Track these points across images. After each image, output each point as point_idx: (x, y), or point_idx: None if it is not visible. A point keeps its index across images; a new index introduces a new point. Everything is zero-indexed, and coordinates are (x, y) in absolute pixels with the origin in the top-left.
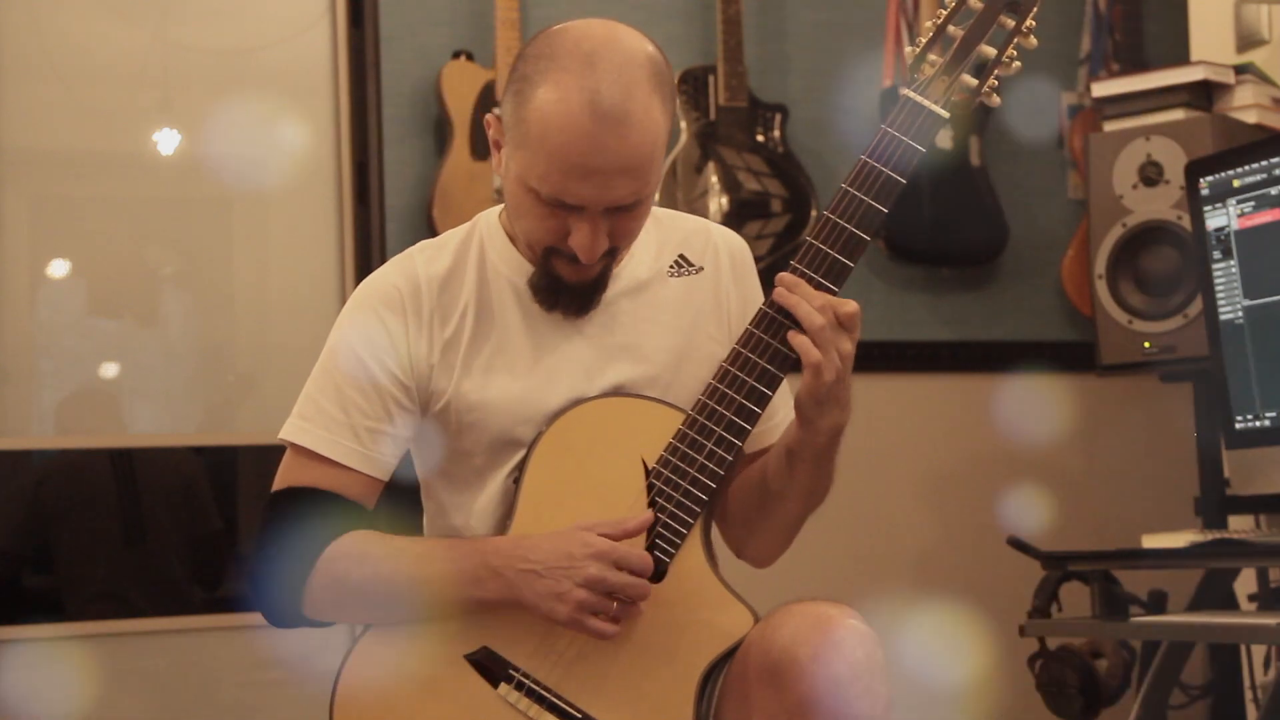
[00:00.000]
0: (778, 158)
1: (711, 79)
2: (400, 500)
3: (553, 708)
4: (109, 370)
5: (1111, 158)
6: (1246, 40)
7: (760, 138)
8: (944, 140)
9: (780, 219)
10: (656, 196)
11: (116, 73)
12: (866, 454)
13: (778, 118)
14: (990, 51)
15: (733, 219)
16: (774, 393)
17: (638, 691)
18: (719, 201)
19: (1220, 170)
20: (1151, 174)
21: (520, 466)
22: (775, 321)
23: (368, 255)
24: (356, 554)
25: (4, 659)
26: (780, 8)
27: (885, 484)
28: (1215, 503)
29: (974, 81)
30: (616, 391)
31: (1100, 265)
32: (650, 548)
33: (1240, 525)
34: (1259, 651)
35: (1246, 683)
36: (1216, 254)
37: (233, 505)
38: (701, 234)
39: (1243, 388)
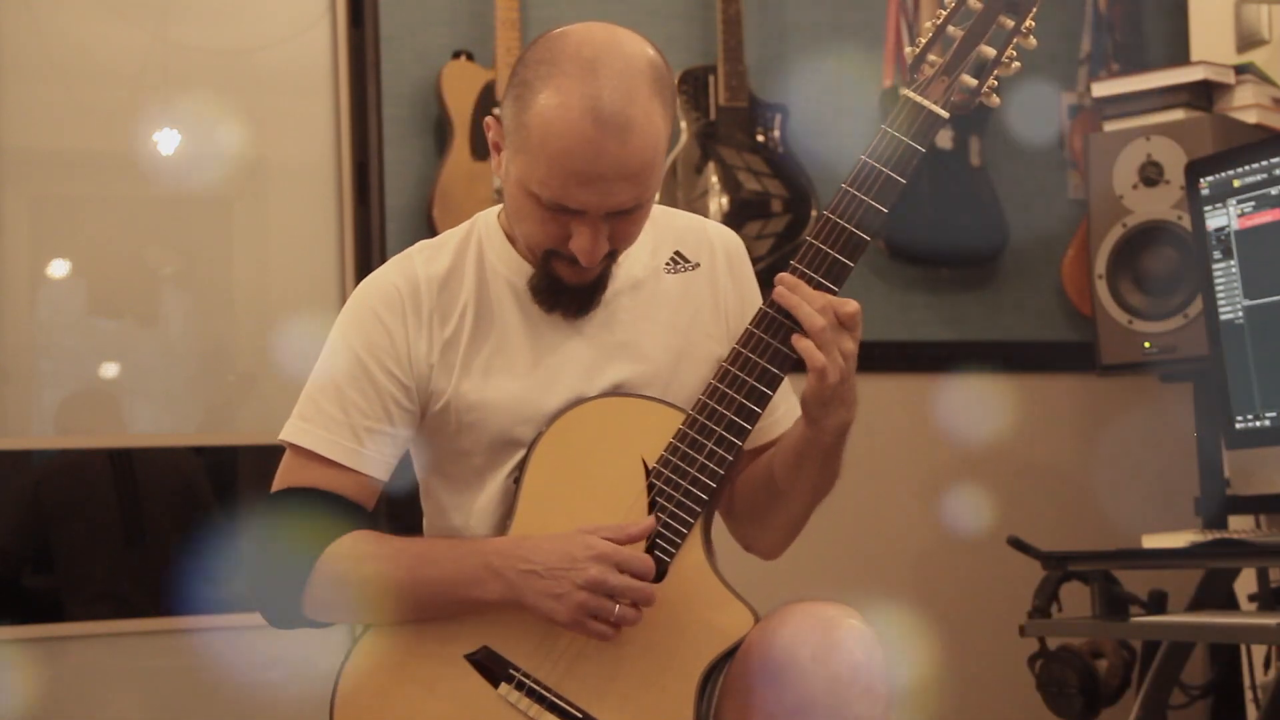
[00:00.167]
0: (778, 158)
1: (711, 79)
2: (400, 501)
3: (553, 707)
4: (109, 370)
5: (1111, 158)
6: (1246, 40)
7: (760, 138)
8: (944, 140)
9: (780, 219)
10: (656, 196)
11: (116, 73)
12: (866, 454)
13: (778, 118)
14: (990, 52)
15: (733, 219)
16: (774, 392)
17: (638, 691)
18: (719, 201)
19: (1220, 170)
20: (1152, 174)
21: (520, 466)
22: (775, 321)
23: (368, 255)
24: (356, 554)
25: (4, 659)
26: (780, 8)
27: (885, 484)
28: (1215, 503)
29: (974, 82)
30: (616, 391)
31: (1100, 265)
32: (650, 547)
33: (1240, 525)
34: (1259, 651)
35: (1246, 683)
36: (1217, 254)
37: (233, 505)
38: (697, 230)
39: (1243, 388)
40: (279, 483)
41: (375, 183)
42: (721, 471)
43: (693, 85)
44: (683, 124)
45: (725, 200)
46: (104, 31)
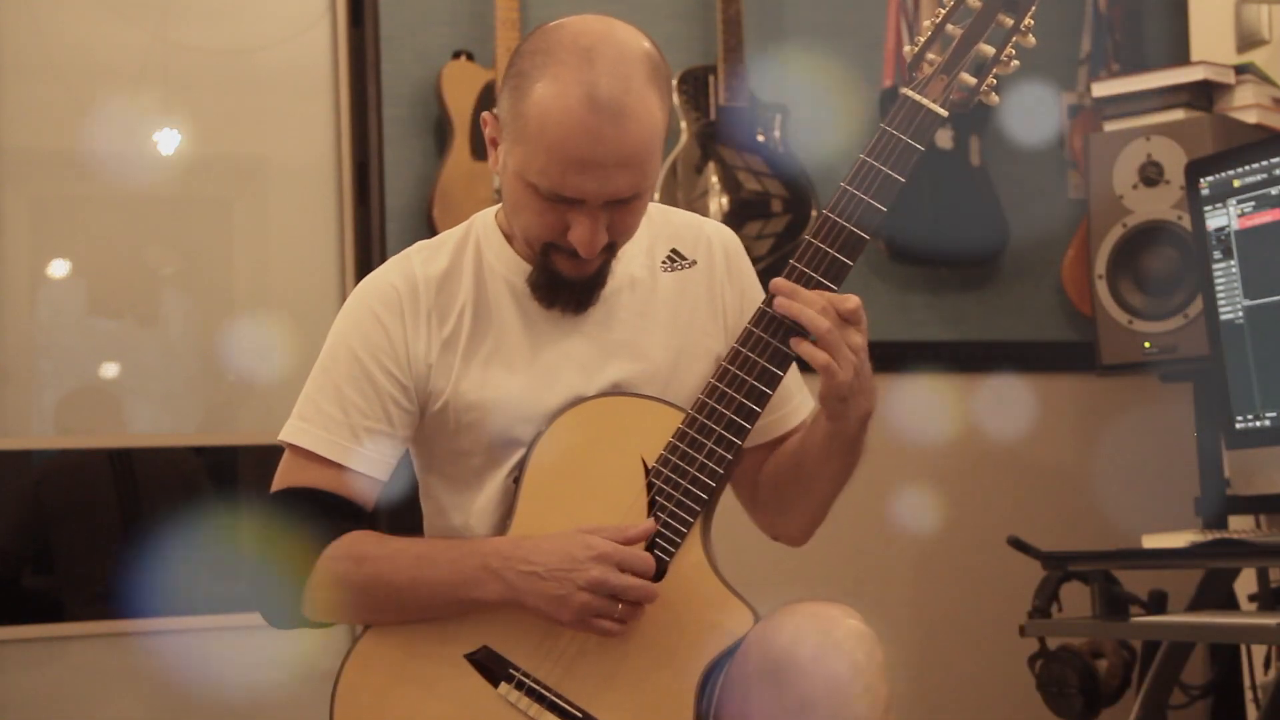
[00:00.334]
0: (778, 158)
1: (711, 79)
2: (400, 501)
3: (553, 707)
4: (109, 370)
5: (1111, 158)
6: (1247, 40)
7: (760, 138)
8: (944, 140)
9: (780, 219)
10: (656, 196)
11: (116, 73)
12: (867, 454)
13: (778, 118)
14: (989, 50)
15: (733, 219)
16: (774, 391)
17: (638, 690)
18: (719, 201)
19: (1220, 170)
20: (1152, 174)
21: (520, 466)
22: (775, 320)
23: (368, 255)
24: (356, 555)
25: (4, 659)
26: (780, 8)
27: (885, 484)
28: (1215, 503)
29: (973, 80)
30: (615, 390)
31: (1100, 265)
32: (650, 547)
33: (1240, 525)
34: (1259, 651)
35: (1246, 683)
36: (1217, 254)
37: (233, 505)
38: (693, 228)
39: (1243, 388)
40: (278, 483)
41: (375, 183)
42: (721, 470)
43: (693, 85)
44: (683, 124)
45: (725, 200)
46: (104, 31)
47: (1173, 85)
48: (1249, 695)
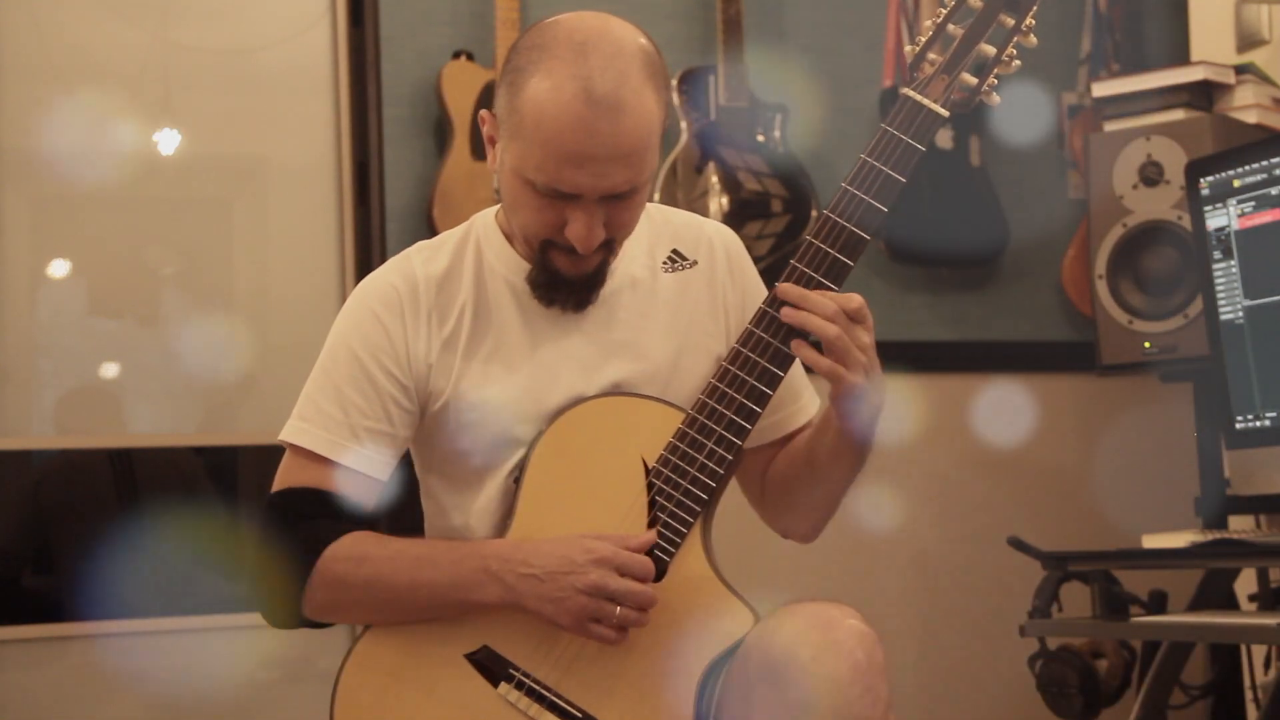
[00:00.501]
0: (778, 158)
1: (711, 79)
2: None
3: (553, 707)
4: (109, 370)
5: (1111, 158)
6: (1247, 40)
7: (760, 138)
8: (944, 140)
9: (780, 219)
10: (656, 196)
11: (116, 73)
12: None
13: (778, 118)
14: (990, 50)
15: (733, 219)
16: (774, 391)
17: (638, 691)
18: (719, 201)
19: (1220, 170)
20: (1152, 174)
21: (520, 466)
22: (775, 320)
23: (368, 255)
24: (356, 555)
25: (4, 659)
26: (780, 8)
27: (886, 484)
28: (1215, 503)
29: (974, 80)
30: (616, 390)
31: (1100, 265)
32: (651, 549)
33: (1240, 525)
34: (1259, 651)
35: (1247, 683)
36: (1217, 254)
37: (233, 506)
38: (694, 228)
39: (1243, 388)
40: (279, 483)
41: (375, 183)
42: (721, 471)
43: (693, 85)
44: (683, 124)
45: (725, 200)
46: (104, 31)
47: (1173, 85)
48: (1249, 695)
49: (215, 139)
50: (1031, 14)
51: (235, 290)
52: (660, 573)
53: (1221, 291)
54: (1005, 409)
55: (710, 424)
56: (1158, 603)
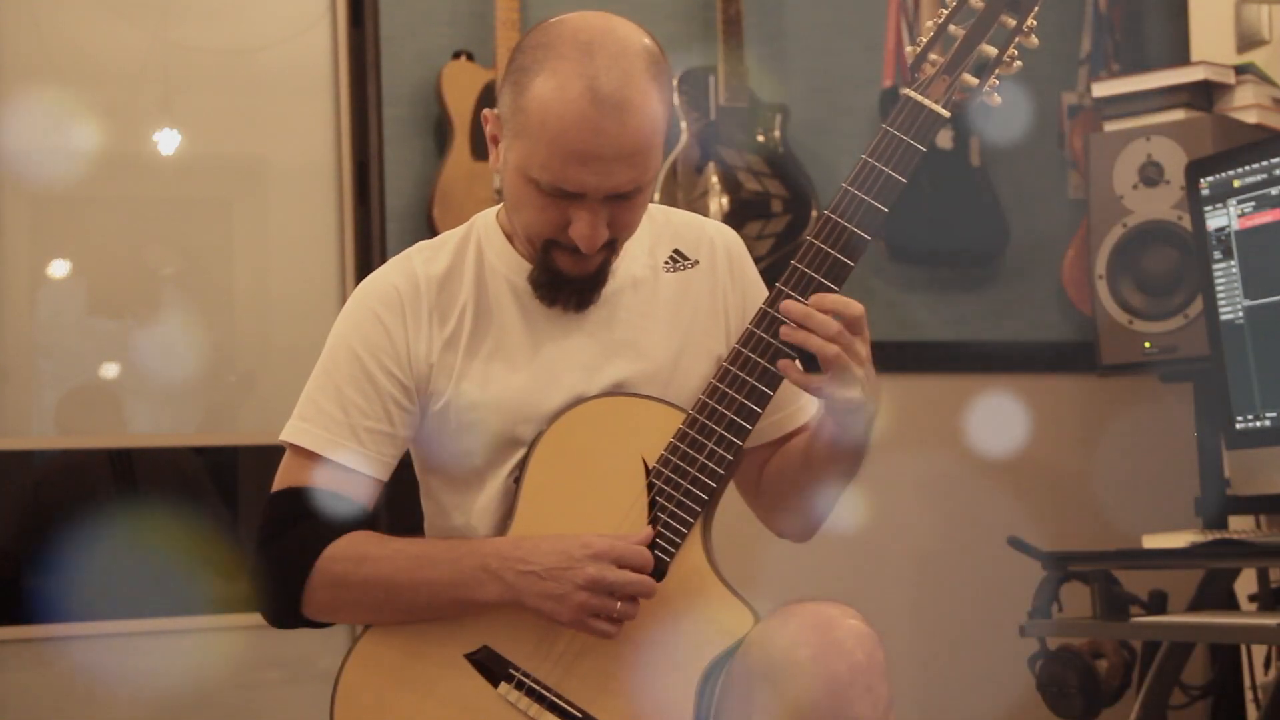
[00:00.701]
0: (778, 158)
1: (711, 79)
2: (400, 501)
3: (553, 707)
4: (109, 370)
5: (1112, 158)
6: (1247, 40)
7: (760, 138)
8: (944, 140)
9: (780, 219)
10: (656, 196)
11: (116, 73)
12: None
13: (778, 118)
14: (991, 51)
15: (733, 219)
16: (775, 392)
17: (638, 690)
18: (719, 201)
19: (1221, 170)
20: (1152, 174)
21: (521, 466)
22: (776, 322)
23: (368, 255)
24: (356, 555)
25: (4, 659)
26: (780, 8)
27: (885, 484)
28: (1215, 503)
29: (975, 81)
30: (616, 390)
31: (1100, 265)
32: (651, 548)
33: (1240, 525)
34: (1259, 652)
35: (1247, 683)
36: (1217, 254)
37: (233, 506)
38: (695, 228)
39: (1243, 388)
40: (279, 483)
41: (375, 183)
42: (722, 471)
43: (693, 85)
44: (682, 124)
45: (725, 200)
46: (104, 31)
47: (1173, 85)
48: (1249, 695)
49: (215, 139)
50: (1033, 15)
51: (235, 290)
52: (661, 573)
53: (1221, 291)
54: (1005, 409)
55: (710, 424)
56: (1158, 603)
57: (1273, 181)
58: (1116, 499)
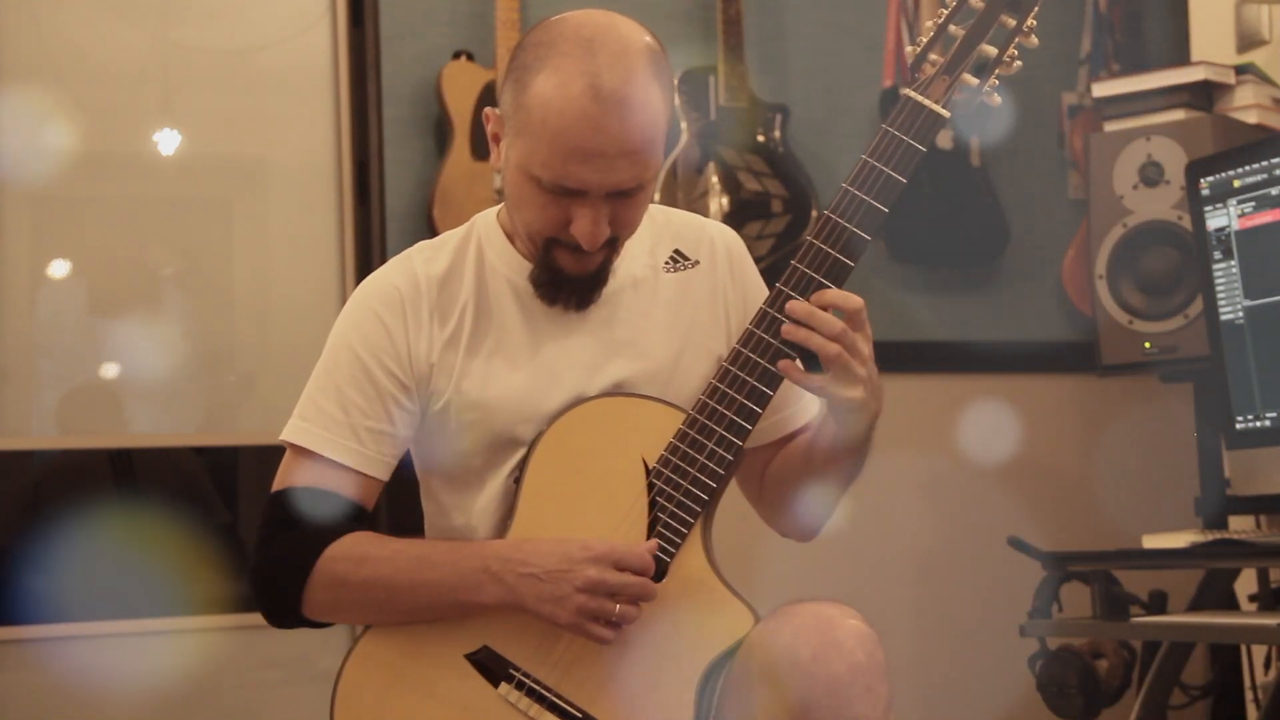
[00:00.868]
0: (778, 158)
1: (711, 79)
2: (400, 501)
3: (553, 707)
4: (109, 370)
5: (1112, 158)
6: (1247, 40)
7: (760, 138)
8: (944, 140)
9: (780, 219)
10: (656, 196)
11: (116, 73)
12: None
13: (778, 118)
14: (991, 51)
15: (733, 219)
16: (775, 392)
17: (638, 691)
18: (719, 202)
19: (1221, 170)
20: (1152, 174)
21: (521, 466)
22: (776, 321)
23: (368, 255)
24: (356, 555)
25: (4, 659)
26: (780, 8)
27: (885, 484)
28: (1216, 503)
29: (975, 81)
30: (617, 390)
31: (1100, 265)
32: None
33: (1241, 525)
34: (1259, 652)
35: (1247, 683)
36: (1217, 254)
37: (233, 506)
38: (696, 229)
39: (1243, 388)
40: (279, 482)
41: (375, 183)
42: (722, 471)
43: (693, 85)
44: (683, 124)
45: (725, 200)
46: (104, 31)
47: (1173, 85)
48: (1249, 695)
49: (215, 139)
50: (1033, 15)
51: (235, 290)
52: (661, 573)
53: (1222, 292)
54: (1005, 409)
55: (711, 424)
56: (1158, 603)
57: (1273, 181)
58: (1116, 499)
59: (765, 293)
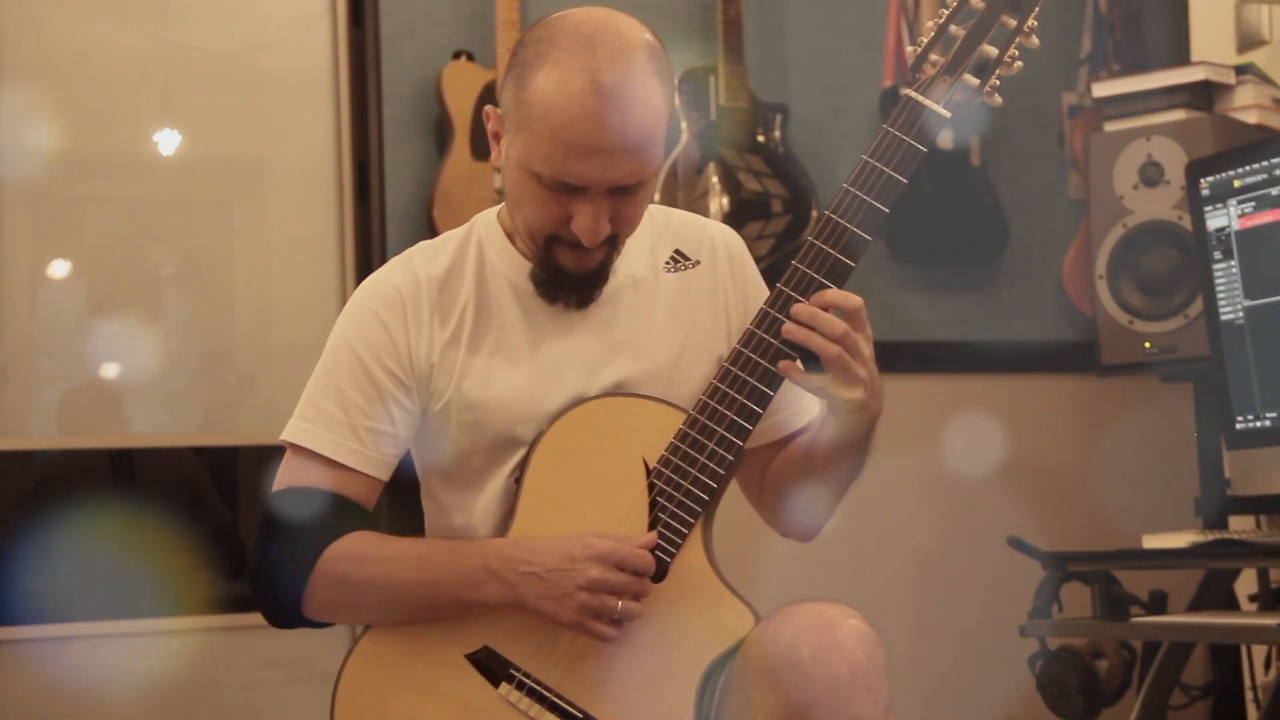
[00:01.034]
0: (778, 158)
1: (711, 79)
2: (400, 500)
3: (553, 707)
4: (109, 370)
5: (1112, 158)
6: (1247, 40)
7: (760, 138)
8: (944, 140)
9: (780, 219)
10: (656, 196)
11: (116, 73)
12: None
13: (778, 118)
14: (992, 51)
15: (733, 219)
16: (775, 393)
17: (639, 691)
18: (719, 202)
19: (1221, 170)
20: (1152, 174)
21: (521, 466)
22: (777, 321)
23: (368, 255)
24: (356, 555)
25: (4, 659)
26: (780, 8)
27: (885, 484)
28: (1216, 503)
29: (976, 81)
30: (617, 390)
31: (1100, 265)
32: (652, 549)
33: (1241, 525)
34: (1259, 652)
35: (1247, 683)
36: (1217, 254)
37: (233, 506)
38: (696, 228)
39: (1243, 388)
40: (279, 482)
41: (375, 183)
42: (722, 471)
43: (693, 85)
44: (683, 124)
45: (725, 200)
46: (104, 31)
47: (1173, 85)
48: (1249, 695)
49: (215, 139)
50: (1034, 15)
51: (235, 290)
52: (661, 573)
53: (1222, 292)
54: (1005, 409)
55: (711, 425)
56: (1158, 603)
57: (1273, 181)
58: (1116, 499)
59: (766, 293)
